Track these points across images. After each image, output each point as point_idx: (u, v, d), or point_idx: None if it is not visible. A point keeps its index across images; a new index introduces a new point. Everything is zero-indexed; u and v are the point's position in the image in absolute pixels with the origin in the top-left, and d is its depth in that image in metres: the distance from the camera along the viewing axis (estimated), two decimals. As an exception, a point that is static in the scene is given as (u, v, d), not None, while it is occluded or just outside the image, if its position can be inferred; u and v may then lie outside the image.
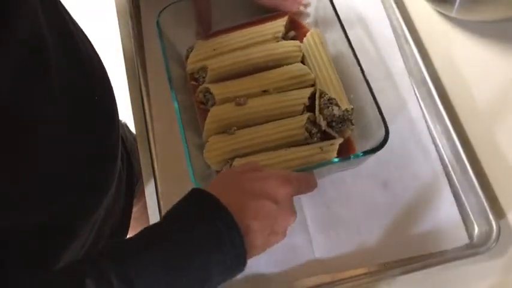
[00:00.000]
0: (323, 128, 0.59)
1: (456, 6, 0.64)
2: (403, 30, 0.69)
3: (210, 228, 0.41)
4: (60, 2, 0.51)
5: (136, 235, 0.42)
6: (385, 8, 0.71)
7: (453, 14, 0.67)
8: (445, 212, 0.59)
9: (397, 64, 0.68)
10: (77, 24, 0.56)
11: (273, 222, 0.44)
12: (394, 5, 0.71)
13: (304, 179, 0.50)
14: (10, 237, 0.41)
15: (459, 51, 0.68)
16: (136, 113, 0.67)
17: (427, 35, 0.70)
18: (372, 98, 0.54)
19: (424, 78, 0.66)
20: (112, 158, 0.58)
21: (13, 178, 0.40)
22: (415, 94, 0.66)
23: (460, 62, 0.67)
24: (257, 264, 0.57)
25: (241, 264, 0.43)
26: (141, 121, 0.66)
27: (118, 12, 0.74)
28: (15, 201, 0.41)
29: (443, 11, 0.70)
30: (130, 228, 0.79)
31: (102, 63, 0.58)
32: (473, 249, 0.57)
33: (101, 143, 0.55)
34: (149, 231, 0.43)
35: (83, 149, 0.50)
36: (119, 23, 0.73)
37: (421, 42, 0.70)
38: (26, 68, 0.39)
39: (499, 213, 0.59)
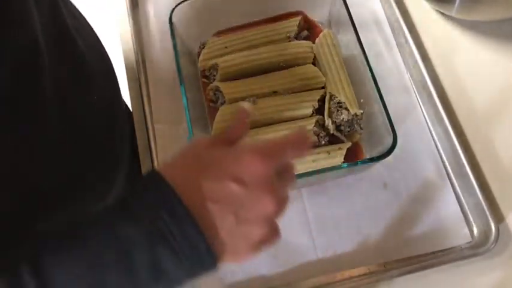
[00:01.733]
0: (331, 132, 0.59)
1: (456, 6, 0.63)
2: (403, 31, 0.69)
3: (153, 215, 0.34)
4: None
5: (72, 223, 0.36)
6: (384, 8, 0.71)
7: (453, 14, 0.66)
8: (445, 212, 0.60)
9: (397, 65, 0.68)
10: (77, 14, 0.54)
11: (238, 208, 0.36)
12: (394, 5, 0.71)
13: (291, 143, 0.39)
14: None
15: (459, 52, 0.68)
16: (137, 112, 0.67)
17: (427, 35, 0.70)
18: (382, 104, 0.54)
19: (424, 79, 0.66)
20: (114, 163, 0.57)
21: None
22: (416, 95, 0.66)
23: (460, 63, 0.67)
24: (259, 264, 0.58)
25: (202, 253, 0.35)
26: (141, 121, 0.66)
27: (117, 11, 0.74)
28: None
29: (443, 11, 0.69)
30: None
31: (105, 53, 0.57)
32: (472, 249, 0.58)
33: (101, 147, 0.55)
34: (80, 222, 0.37)
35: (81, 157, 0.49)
36: (118, 22, 0.73)
37: (421, 43, 0.70)
38: (19, 73, 0.38)
39: (498, 214, 0.59)
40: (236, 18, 0.68)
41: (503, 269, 0.58)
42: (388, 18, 0.71)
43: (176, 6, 0.61)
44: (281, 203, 0.37)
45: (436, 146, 0.63)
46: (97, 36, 0.56)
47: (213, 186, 0.35)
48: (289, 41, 0.65)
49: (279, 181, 0.38)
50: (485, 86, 0.66)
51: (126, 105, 0.72)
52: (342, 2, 0.61)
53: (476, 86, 0.66)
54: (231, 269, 0.58)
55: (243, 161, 0.36)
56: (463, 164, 0.61)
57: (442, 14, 0.70)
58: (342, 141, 0.59)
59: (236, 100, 0.61)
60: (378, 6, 0.72)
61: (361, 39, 0.58)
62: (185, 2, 0.61)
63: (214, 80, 0.63)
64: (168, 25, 0.61)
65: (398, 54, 0.68)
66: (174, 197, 0.34)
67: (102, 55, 0.58)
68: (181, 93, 0.57)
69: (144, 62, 0.70)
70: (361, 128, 0.59)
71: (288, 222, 0.60)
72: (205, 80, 0.65)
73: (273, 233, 0.38)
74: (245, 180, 0.36)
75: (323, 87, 0.61)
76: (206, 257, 0.35)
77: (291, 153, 0.39)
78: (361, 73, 0.58)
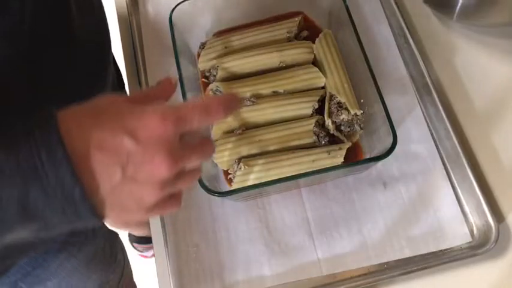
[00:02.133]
0: (331, 132, 0.59)
1: (457, 11, 0.63)
2: (403, 31, 0.69)
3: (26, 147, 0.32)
4: None
5: None
6: (384, 8, 0.72)
7: (454, 19, 0.66)
8: (445, 212, 0.60)
9: (398, 66, 0.68)
10: None
11: (126, 163, 0.34)
12: (394, 5, 0.71)
13: (200, 108, 0.37)
14: None
15: (459, 52, 0.68)
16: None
17: (427, 35, 0.70)
18: (382, 104, 0.54)
19: (424, 79, 0.66)
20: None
21: None
22: (416, 95, 0.66)
23: (459, 63, 0.68)
24: (260, 264, 0.58)
25: (76, 200, 0.33)
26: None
27: (117, 10, 0.74)
28: None
29: (443, 16, 0.70)
30: None
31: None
32: (472, 249, 0.58)
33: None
34: None
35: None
36: (118, 22, 0.73)
37: (421, 43, 0.70)
38: None
39: (498, 214, 0.59)
40: (236, 18, 0.68)
41: (503, 269, 0.58)
42: (388, 18, 0.71)
43: (176, 6, 0.61)
44: (178, 169, 0.35)
45: (436, 146, 0.63)
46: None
47: (105, 136, 0.34)
48: (289, 41, 0.65)
49: (185, 149, 0.36)
50: (485, 86, 0.66)
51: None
52: (342, 2, 0.61)
53: (476, 86, 0.66)
54: (231, 269, 0.58)
55: (143, 118, 0.34)
56: (463, 163, 0.61)
57: (443, 18, 0.70)
58: (342, 141, 0.59)
59: (236, 100, 0.61)
60: (377, 6, 0.72)
61: (361, 39, 0.58)
62: (185, 2, 0.61)
63: (214, 80, 0.63)
64: (168, 25, 0.61)
65: (399, 54, 0.68)
66: (57, 139, 0.32)
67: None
68: (181, 93, 0.57)
69: (144, 62, 0.70)
70: (361, 128, 0.59)
71: (288, 222, 0.60)
72: (205, 80, 0.65)
73: (170, 201, 0.37)
74: (139, 136, 0.34)
75: (323, 87, 0.62)
76: (81, 205, 0.33)
77: (199, 119, 0.36)
78: (361, 73, 0.58)
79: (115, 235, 0.83)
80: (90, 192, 0.33)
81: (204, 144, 0.39)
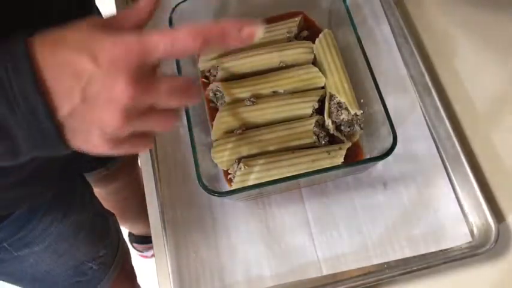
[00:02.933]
0: (331, 132, 0.59)
1: None
2: (402, 31, 0.70)
3: None
4: None
5: None
6: (384, 8, 0.72)
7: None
8: (445, 212, 0.60)
9: (398, 66, 0.68)
10: None
11: (86, 84, 0.33)
12: (394, 5, 0.71)
13: (165, 36, 0.34)
14: None
15: (459, 52, 0.68)
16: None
17: (427, 35, 0.70)
18: (382, 104, 0.54)
19: (424, 79, 0.66)
20: None
21: None
22: (416, 95, 0.67)
23: (460, 63, 0.67)
24: (260, 264, 0.58)
25: (40, 116, 0.33)
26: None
27: (117, 10, 0.74)
28: None
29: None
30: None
31: None
32: (472, 249, 0.58)
33: None
34: None
35: None
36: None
37: (421, 43, 0.70)
38: None
39: (498, 214, 0.59)
40: (236, 18, 0.67)
41: (503, 269, 0.58)
42: (388, 18, 0.71)
43: (176, 6, 0.61)
44: (143, 100, 0.34)
45: (436, 146, 0.64)
46: None
47: (67, 56, 0.33)
48: (289, 41, 0.65)
49: (155, 82, 0.35)
50: (485, 86, 0.66)
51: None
52: (341, 2, 0.61)
53: (476, 86, 0.66)
54: (231, 269, 0.58)
55: (107, 42, 0.34)
56: (463, 164, 0.61)
57: (443, 14, 0.70)
58: (342, 141, 0.59)
59: (237, 100, 0.61)
60: (377, 6, 0.72)
61: (361, 39, 0.58)
62: (185, 2, 0.61)
63: (214, 80, 0.63)
64: (168, 25, 0.61)
65: (399, 54, 0.69)
66: (23, 52, 0.33)
67: None
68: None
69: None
70: (361, 128, 0.59)
71: (288, 222, 0.60)
72: (205, 80, 0.65)
73: (140, 139, 0.37)
74: (101, 59, 0.33)
75: (323, 87, 0.62)
76: (45, 122, 0.33)
77: (165, 46, 0.34)
78: (361, 73, 0.58)
79: (108, 214, 0.83)
80: (54, 110, 0.33)
81: (182, 85, 0.36)
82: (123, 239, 0.90)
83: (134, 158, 1.06)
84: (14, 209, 0.59)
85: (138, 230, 1.35)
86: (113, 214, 0.85)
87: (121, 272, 0.85)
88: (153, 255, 1.31)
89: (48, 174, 0.61)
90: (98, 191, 0.87)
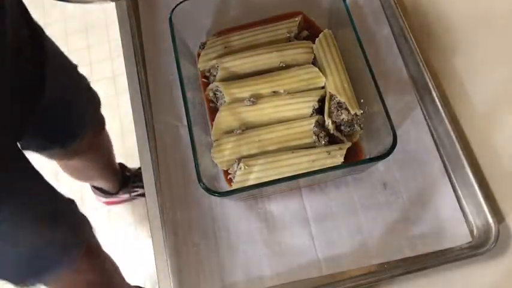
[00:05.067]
0: (331, 132, 0.59)
1: None
2: (402, 31, 0.69)
3: None
4: None
5: None
6: (384, 8, 0.72)
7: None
8: (445, 212, 0.60)
9: (398, 66, 0.68)
10: None
11: None
12: (394, 5, 0.71)
13: None
14: None
15: (459, 52, 0.68)
16: (137, 112, 0.67)
17: (427, 35, 0.70)
18: (382, 104, 0.54)
19: (424, 79, 0.66)
20: None
21: None
22: (416, 95, 0.67)
23: (460, 63, 0.67)
24: (259, 264, 0.58)
25: None
26: (141, 120, 0.66)
27: (117, 10, 0.74)
28: None
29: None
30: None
31: None
32: (472, 249, 0.58)
33: None
34: None
35: None
36: (118, 22, 0.73)
37: (421, 43, 0.70)
38: None
39: (498, 214, 0.59)
40: (236, 18, 0.68)
41: (503, 269, 0.58)
42: (388, 19, 0.71)
43: (176, 6, 0.61)
44: None
45: (436, 146, 0.64)
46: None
47: None
48: (289, 41, 0.65)
49: None
50: (485, 86, 0.66)
51: None
52: (341, 2, 0.61)
53: (476, 86, 0.66)
54: (231, 268, 0.58)
55: None
56: (463, 164, 0.61)
57: (442, 13, 0.70)
58: (342, 141, 0.59)
59: (237, 100, 0.61)
60: (377, 6, 0.72)
61: (361, 39, 0.58)
62: (185, 2, 0.61)
63: (214, 80, 0.63)
64: (168, 25, 0.61)
65: (399, 53, 0.69)
66: None
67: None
68: (181, 93, 0.57)
69: (144, 62, 0.70)
70: (361, 128, 0.59)
71: (288, 222, 0.60)
72: (205, 80, 0.65)
73: None
74: None
75: (323, 87, 0.62)
76: None
77: None
78: (361, 73, 0.58)
79: (70, 200, 0.79)
80: None
81: None
82: (90, 226, 0.85)
83: (97, 132, 1.01)
84: None
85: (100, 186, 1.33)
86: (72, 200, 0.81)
87: (86, 249, 0.81)
88: (120, 202, 1.33)
89: None
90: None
